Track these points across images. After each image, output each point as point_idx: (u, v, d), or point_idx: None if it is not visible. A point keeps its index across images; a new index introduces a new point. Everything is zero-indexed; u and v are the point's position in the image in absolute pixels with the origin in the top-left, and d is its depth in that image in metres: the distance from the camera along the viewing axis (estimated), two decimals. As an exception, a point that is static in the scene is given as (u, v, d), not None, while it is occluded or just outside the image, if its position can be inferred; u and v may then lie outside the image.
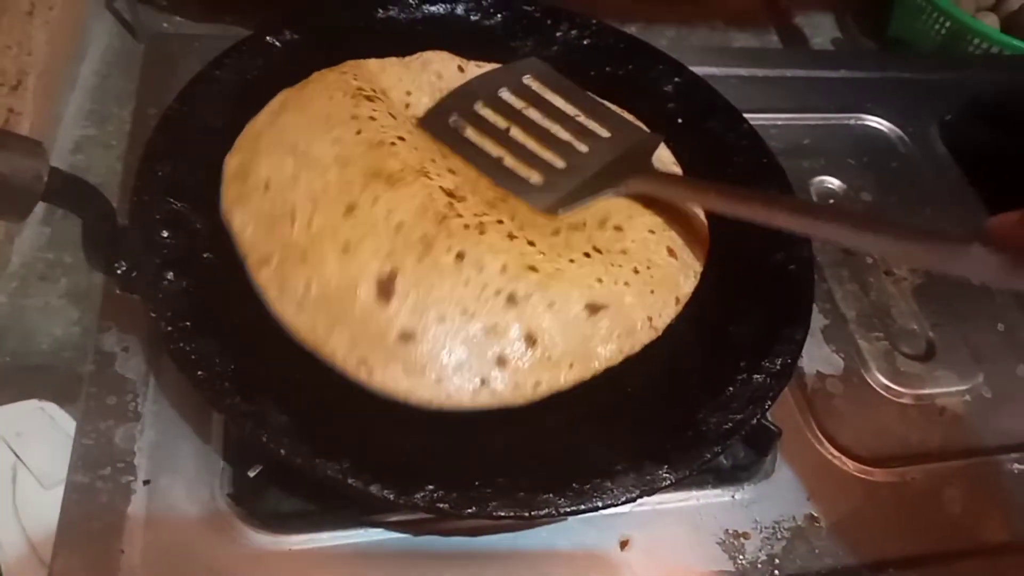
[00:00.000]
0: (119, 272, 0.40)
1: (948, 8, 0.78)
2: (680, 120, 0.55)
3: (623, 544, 0.45)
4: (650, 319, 0.45)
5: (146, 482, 0.42)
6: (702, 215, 0.50)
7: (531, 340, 0.41)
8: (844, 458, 0.50)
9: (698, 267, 0.48)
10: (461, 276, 0.41)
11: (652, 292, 0.45)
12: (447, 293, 0.41)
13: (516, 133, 0.50)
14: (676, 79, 0.57)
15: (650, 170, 0.50)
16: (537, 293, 0.42)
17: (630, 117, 0.54)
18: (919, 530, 0.48)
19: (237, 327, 0.40)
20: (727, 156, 0.54)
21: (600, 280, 0.44)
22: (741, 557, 0.46)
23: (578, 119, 0.52)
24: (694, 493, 0.47)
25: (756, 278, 0.48)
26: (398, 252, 0.41)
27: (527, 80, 0.53)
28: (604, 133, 0.51)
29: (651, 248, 0.47)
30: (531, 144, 0.50)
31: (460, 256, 0.42)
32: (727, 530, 0.46)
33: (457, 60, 0.54)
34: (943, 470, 0.51)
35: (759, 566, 0.45)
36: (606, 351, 0.43)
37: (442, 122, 0.50)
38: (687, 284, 0.47)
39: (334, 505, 0.43)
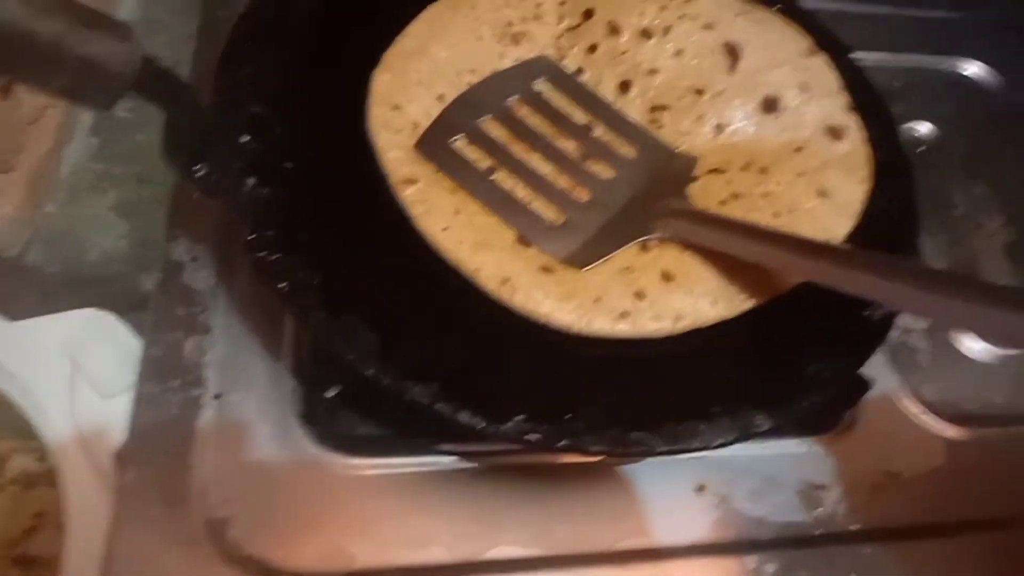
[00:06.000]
0: (198, 176, 0.38)
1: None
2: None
3: (700, 488, 0.44)
4: None
5: (217, 396, 0.41)
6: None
7: (668, 277, 0.41)
8: (926, 414, 0.48)
9: (857, 206, 0.44)
10: None
11: None
12: None
13: (531, 155, 0.44)
14: (776, 6, 0.53)
15: (687, 208, 0.43)
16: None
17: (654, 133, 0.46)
18: (1002, 492, 0.47)
19: (323, 241, 0.38)
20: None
21: None
22: (819, 508, 0.44)
23: (599, 136, 0.45)
24: (772, 442, 0.46)
25: (858, 230, 0.45)
26: None
27: (539, 86, 0.46)
28: (630, 153, 0.45)
29: (798, 190, 0.44)
30: (548, 169, 0.44)
31: None
32: (805, 480, 0.45)
33: None
34: (1028, 433, 0.49)
35: (837, 519, 0.44)
36: (746, 293, 0.42)
37: (442, 144, 0.43)
38: (842, 226, 0.44)
39: (410, 431, 0.42)
